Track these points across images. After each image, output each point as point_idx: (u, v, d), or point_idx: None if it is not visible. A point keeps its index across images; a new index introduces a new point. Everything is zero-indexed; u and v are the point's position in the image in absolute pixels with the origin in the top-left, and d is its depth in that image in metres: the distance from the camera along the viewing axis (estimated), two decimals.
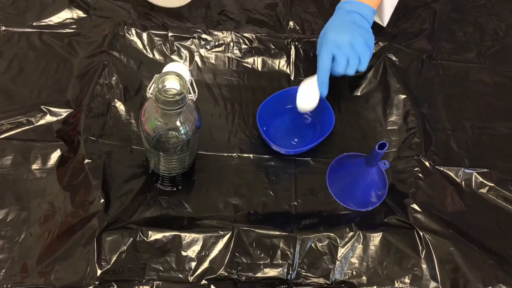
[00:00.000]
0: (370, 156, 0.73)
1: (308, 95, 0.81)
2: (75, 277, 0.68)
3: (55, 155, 0.77)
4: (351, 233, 0.74)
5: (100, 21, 0.91)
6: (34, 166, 0.76)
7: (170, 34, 0.89)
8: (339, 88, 0.90)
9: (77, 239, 0.70)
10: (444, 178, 0.82)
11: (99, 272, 0.68)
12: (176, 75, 0.60)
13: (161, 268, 0.70)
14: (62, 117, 0.81)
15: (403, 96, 0.89)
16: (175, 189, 0.78)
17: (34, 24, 0.90)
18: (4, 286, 0.66)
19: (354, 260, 0.73)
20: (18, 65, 0.85)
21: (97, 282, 0.68)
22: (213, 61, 0.91)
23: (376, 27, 0.97)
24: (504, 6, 1.04)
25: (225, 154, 0.82)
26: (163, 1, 0.93)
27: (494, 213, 0.79)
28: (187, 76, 0.74)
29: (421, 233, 0.74)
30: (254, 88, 0.87)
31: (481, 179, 0.82)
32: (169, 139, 0.66)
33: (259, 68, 0.91)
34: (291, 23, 0.96)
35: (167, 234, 0.72)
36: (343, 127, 0.87)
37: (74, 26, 0.90)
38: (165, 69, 0.75)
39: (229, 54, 0.91)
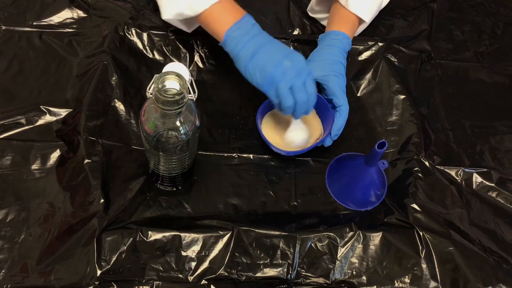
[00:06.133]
0: (369, 156, 0.73)
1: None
2: (75, 277, 0.68)
3: (54, 155, 0.77)
4: (351, 233, 0.74)
5: (100, 21, 0.91)
6: (34, 166, 0.76)
7: (170, 34, 0.89)
8: None
9: (77, 239, 0.70)
10: (444, 178, 0.82)
11: (99, 272, 0.68)
12: (176, 75, 0.60)
13: (161, 268, 0.70)
14: (62, 117, 0.81)
15: (402, 96, 0.89)
16: (175, 189, 0.78)
17: (34, 23, 0.90)
18: (4, 286, 0.66)
19: (354, 259, 0.73)
20: (18, 65, 0.85)
21: (97, 282, 0.68)
22: (213, 61, 0.91)
23: (374, 26, 0.97)
24: (501, 4, 1.05)
25: (225, 154, 0.82)
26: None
27: (494, 213, 0.79)
28: (187, 76, 0.74)
29: (421, 233, 0.74)
30: (254, 88, 0.86)
31: (481, 179, 0.82)
32: (169, 139, 0.66)
33: None
34: (291, 23, 0.96)
35: (167, 234, 0.71)
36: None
37: (74, 26, 0.90)
38: (165, 69, 0.75)
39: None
